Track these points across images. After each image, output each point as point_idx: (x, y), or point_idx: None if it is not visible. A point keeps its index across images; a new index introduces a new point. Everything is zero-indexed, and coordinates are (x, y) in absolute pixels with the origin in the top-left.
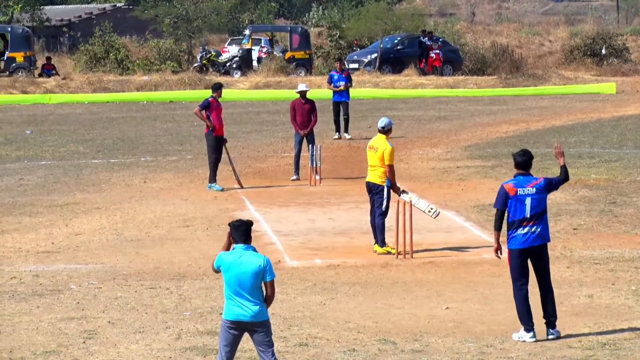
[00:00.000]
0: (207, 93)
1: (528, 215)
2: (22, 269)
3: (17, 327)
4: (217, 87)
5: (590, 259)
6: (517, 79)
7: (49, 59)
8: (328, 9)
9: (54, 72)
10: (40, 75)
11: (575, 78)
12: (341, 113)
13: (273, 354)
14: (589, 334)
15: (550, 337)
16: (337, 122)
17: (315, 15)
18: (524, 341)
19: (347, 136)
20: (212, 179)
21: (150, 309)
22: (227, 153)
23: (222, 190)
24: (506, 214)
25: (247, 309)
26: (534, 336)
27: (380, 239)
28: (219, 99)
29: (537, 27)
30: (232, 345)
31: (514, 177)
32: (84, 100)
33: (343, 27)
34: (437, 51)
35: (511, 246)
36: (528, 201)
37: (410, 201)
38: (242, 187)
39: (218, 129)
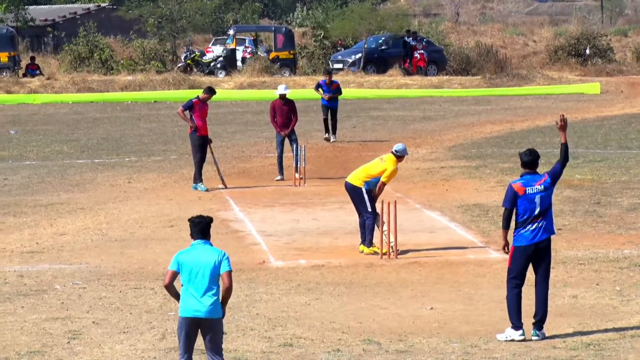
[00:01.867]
0: (192, 93)
1: (537, 213)
2: (6, 269)
3: (1, 327)
4: (208, 91)
5: (574, 259)
6: (502, 79)
7: (33, 59)
8: (312, 9)
9: (38, 72)
10: (24, 75)
11: (560, 78)
12: (329, 116)
13: None
14: (574, 334)
15: (535, 337)
16: (326, 121)
17: (299, 15)
18: (513, 340)
19: (333, 139)
20: (197, 179)
21: (135, 309)
22: (212, 153)
23: (207, 190)
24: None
25: (202, 305)
26: (523, 334)
27: (368, 239)
28: (207, 101)
29: (522, 27)
30: (191, 340)
31: (521, 176)
32: (68, 100)
33: (327, 27)
34: (422, 51)
35: (517, 243)
36: (537, 199)
37: (383, 226)
38: (226, 187)
39: (201, 128)
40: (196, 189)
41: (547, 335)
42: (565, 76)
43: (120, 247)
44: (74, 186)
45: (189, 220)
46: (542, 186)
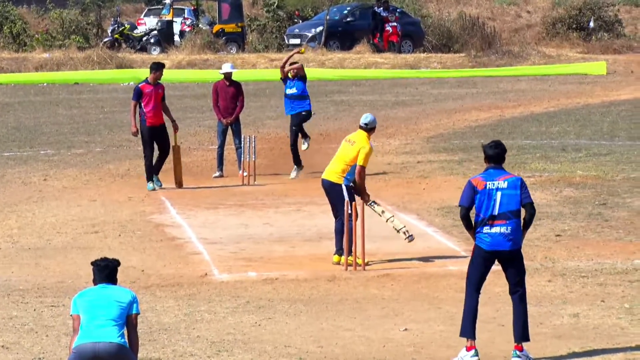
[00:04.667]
0: (121, 73)
1: (496, 213)
2: None
3: None
4: (155, 68)
5: (575, 271)
6: (489, 57)
7: None
8: None
9: None
10: None
11: (559, 56)
12: None
13: None
14: (574, 359)
15: (514, 359)
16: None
17: None
18: None
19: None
20: (148, 176)
21: (52, 331)
22: (174, 144)
23: (154, 188)
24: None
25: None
26: (477, 354)
27: (349, 248)
28: (158, 80)
29: None
30: None
31: (484, 171)
32: None
33: None
34: (394, 24)
35: (477, 243)
36: (498, 196)
37: (383, 214)
38: (180, 187)
39: (151, 117)
40: (153, 189)
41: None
42: (565, 54)
43: (35, 257)
44: None
45: (92, 263)
46: (506, 183)
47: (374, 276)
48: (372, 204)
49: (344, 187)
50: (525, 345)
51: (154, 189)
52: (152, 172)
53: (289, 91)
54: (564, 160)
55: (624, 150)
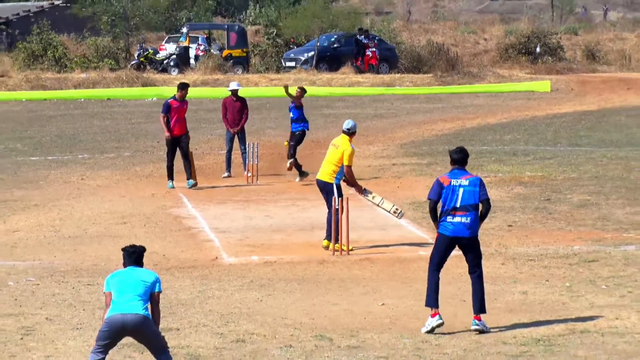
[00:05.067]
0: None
1: (458, 205)
2: None
3: None
4: (181, 87)
5: (524, 255)
6: (453, 77)
7: None
8: (265, 7)
9: None
10: None
11: (510, 76)
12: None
13: None
14: (524, 330)
15: (473, 327)
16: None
17: (252, 14)
18: (432, 327)
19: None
20: (169, 176)
21: (88, 306)
22: (186, 149)
23: (172, 187)
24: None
25: (133, 309)
26: (440, 318)
27: (336, 237)
28: (184, 98)
29: (473, 26)
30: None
31: (450, 171)
32: (21, 97)
33: (280, 25)
34: (374, 49)
35: (440, 231)
36: (460, 191)
37: (374, 199)
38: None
39: (173, 129)
40: (172, 187)
41: (496, 331)
42: (516, 74)
43: (74, 244)
44: (27, 183)
45: (123, 249)
46: (467, 181)
47: (357, 260)
48: (365, 192)
49: (334, 186)
50: (482, 317)
51: (173, 187)
52: (172, 173)
53: (291, 115)
54: (514, 163)
55: (565, 155)
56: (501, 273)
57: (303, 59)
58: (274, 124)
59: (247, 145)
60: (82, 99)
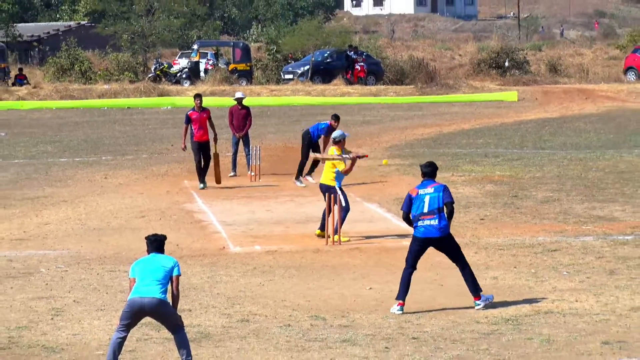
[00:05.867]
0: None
1: (426, 210)
2: None
3: None
4: (195, 97)
5: (495, 245)
6: (432, 88)
7: (21, 70)
8: (266, 27)
9: (25, 81)
10: (13, 84)
11: (482, 87)
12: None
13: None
14: (495, 311)
15: (477, 307)
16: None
17: (255, 32)
18: (394, 313)
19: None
20: (200, 179)
21: (111, 289)
22: (213, 152)
23: (203, 188)
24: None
25: (152, 292)
26: (401, 309)
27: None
28: (201, 106)
29: (449, 43)
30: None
31: (421, 182)
32: (52, 106)
33: (279, 43)
34: (362, 64)
35: (414, 234)
36: (426, 199)
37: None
38: (219, 183)
39: (196, 134)
40: (203, 187)
41: (471, 311)
42: (487, 85)
43: (98, 235)
44: (57, 181)
45: (146, 238)
46: (433, 189)
47: (347, 249)
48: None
49: (337, 189)
50: (454, 301)
51: (203, 188)
52: (200, 175)
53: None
54: (486, 164)
55: (530, 157)
56: (474, 261)
57: (300, 72)
58: (274, 129)
59: (250, 148)
60: (105, 108)
